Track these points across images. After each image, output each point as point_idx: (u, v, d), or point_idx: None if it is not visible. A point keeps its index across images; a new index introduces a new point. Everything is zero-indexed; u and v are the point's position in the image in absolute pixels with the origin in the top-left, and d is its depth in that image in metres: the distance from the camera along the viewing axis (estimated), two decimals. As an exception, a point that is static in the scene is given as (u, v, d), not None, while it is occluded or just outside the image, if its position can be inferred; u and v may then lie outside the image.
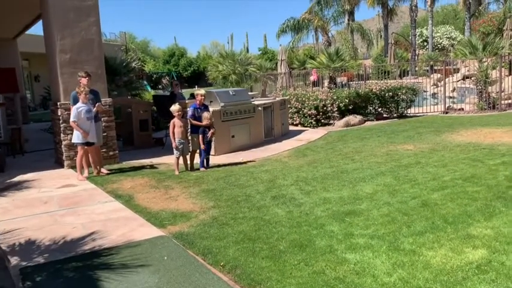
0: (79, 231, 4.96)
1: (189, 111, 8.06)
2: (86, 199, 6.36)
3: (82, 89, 7.48)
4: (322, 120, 13.78)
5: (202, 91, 8.43)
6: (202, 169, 8.00)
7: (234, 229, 4.81)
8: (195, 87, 32.39)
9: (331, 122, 13.73)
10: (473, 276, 3.32)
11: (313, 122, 13.64)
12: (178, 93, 11.40)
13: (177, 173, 7.81)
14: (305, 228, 4.67)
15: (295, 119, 13.97)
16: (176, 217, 5.34)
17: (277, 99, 12.76)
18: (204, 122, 7.98)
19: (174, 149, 7.95)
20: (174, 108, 7.95)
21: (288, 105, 13.46)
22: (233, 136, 9.99)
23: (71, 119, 7.46)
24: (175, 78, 35.24)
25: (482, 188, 5.61)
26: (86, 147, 7.58)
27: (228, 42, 43.23)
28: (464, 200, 5.16)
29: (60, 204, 6.12)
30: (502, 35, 21.21)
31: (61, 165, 8.64)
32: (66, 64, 8.40)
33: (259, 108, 10.86)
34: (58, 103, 8.42)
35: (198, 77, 51.33)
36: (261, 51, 47.74)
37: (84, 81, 7.78)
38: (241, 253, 4.13)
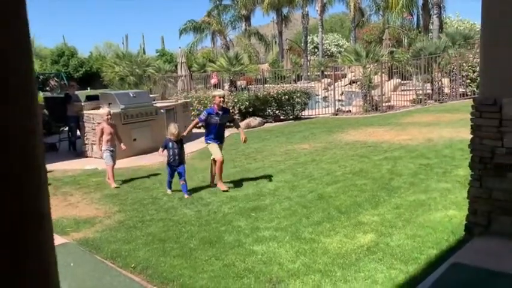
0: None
1: (202, 114, 6.49)
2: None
3: None
4: (224, 123, 14.07)
5: (220, 92, 6.90)
6: (186, 196, 6.14)
7: (142, 231, 4.80)
8: (87, 89, 30.63)
9: (233, 124, 14.08)
10: (364, 257, 3.78)
11: (215, 124, 13.86)
12: (74, 94, 10.76)
13: (114, 185, 6.83)
14: (214, 226, 4.84)
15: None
16: (79, 224, 5.15)
17: (180, 101, 12.75)
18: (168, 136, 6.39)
19: (104, 158, 7.01)
20: (103, 112, 7.17)
21: (191, 108, 13.51)
22: (135, 139, 9.77)
23: None
24: (64, 79, 32.90)
25: (369, 180, 6.29)
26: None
27: (122, 43, 41.63)
28: (355, 192, 5.76)
29: None
30: (382, 43, 23.58)
31: None
32: None
33: (162, 110, 10.77)
34: None
35: (90, 78, 48.50)
36: (158, 53, 46.76)
37: None
38: (152, 254, 4.16)
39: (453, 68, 16.05)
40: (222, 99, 6.37)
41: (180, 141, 6.38)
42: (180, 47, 21.28)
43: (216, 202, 5.75)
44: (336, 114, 15.66)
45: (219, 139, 6.50)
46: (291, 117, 15.13)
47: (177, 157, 6.28)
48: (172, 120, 11.30)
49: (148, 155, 9.63)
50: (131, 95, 10.24)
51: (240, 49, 30.27)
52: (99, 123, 9.39)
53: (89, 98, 11.54)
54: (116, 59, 22.86)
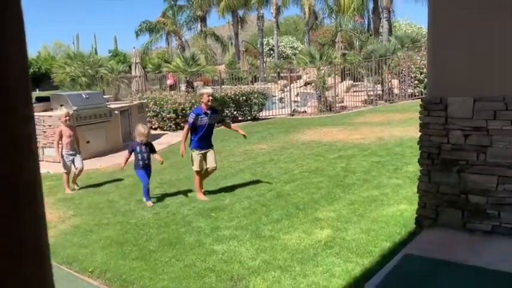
0: None
1: (189, 117, 5.80)
2: None
3: None
4: (182, 124, 13.93)
5: (208, 89, 6.16)
6: (149, 203, 5.75)
7: (99, 235, 4.70)
8: (36, 91, 29.37)
9: (190, 125, 13.99)
10: (322, 251, 3.90)
11: (173, 126, 13.72)
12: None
13: (68, 191, 6.60)
14: (173, 227, 4.81)
15: (153, 122, 13.86)
16: (31, 229, 4.96)
17: (135, 102, 12.51)
18: (137, 139, 5.96)
19: (62, 164, 6.64)
20: (60, 113, 6.69)
21: (146, 109, 13.29)
22: (88, 142, 9.50)
23: None
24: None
25: (324, 178, 6.47)
26: None
27: (73, 43, 40.23)
28: (311, 189, 5.91)
29: None
30: (335, 46, 24.22)
31: None
32: None
33: (116, 112, 10.54)
34: None
35: (39, 79, 46.56)
36: (111, 53, 45.61)
37: None
38: (110, 257, 4.08)
39: (402, 70, 16.75)
40: (210, 97, 5.80)
41: (149, 144, 5.97)
42: (134, 47, 20.86)
43: (175, 204, 5.72)
44: (292, 115, 15.92)
45: (207, 143, 5.89)
46: (249, 118, 15.23)
47: (146, 161, 5.85)
48: (127, 121, 11.09)
49: (103, 157, 9.40)
50: (84, 96, 9.96)
51: (197, 50, 30.09)
52: (50, 125, 9.08)
53: (39, 99, 11.09)
54: (66, 59, 22.09)
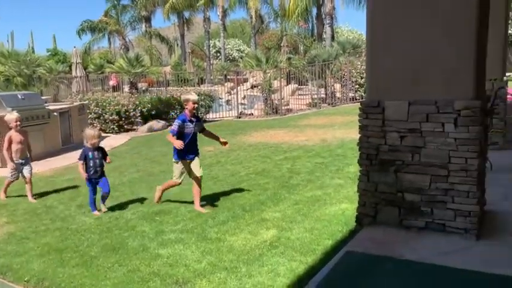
0: None
1: (174, 125, 5.27)
2: None
3: None
4: (125, 126, 13.58)
5: (194, 96, 5.43)
6: (95, 212, 5.44)
7: (36, 242, 4.47)
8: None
9: (135, 127, 13.66)
10: (267, 251, 3.96)
11: (116, 128, 13.34)
12: None
13: (3, 197, 6.22)
14: (116, 232, 4.68)
15: (95, 125, 13.38)
16: (-40, 238, 4.63)
17: (75, 104, 12.02)
18: (87, 144, 5.47)
19: (9, 171, 6.17)
20: (11, 117, 6.10)
21: (87, 111, 12.81)
22: (24, 145, 9.00)
23: None
24: None
25: (271, 179, 6.57)
26: None
27: (7, 41, 37.86)
28: (258, 191, 5.97)
29: None
30: (281, 50, 24.65)
31: None
32: None
33: (55, 113, 10.08)
34: None
35: (-32, 79, 43.32)
36: (50, 53, 43.45)
37: None
38: (48, 265, 3.90)
39: (344, 74, 17.36)
40: (195, 105, 5.37)
41: (101, 149, 5.53)
42: (74, 47, 20.01)
43: (117, 208, 5.56)
44: (239, 117, 16.00)
45: (194, 152, 5.47)
46: (195, 120, 15.09)
47: (98, 168, 5.39)
48: (67, 123, 10.64)
49: (41, 161, 8.95)
50: (20, 97, 9.44)
51: (141, 50, 29.41)
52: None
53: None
54: (0, 58, 20.79)
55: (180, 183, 5.50)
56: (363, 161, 4.32)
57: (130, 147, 10.72)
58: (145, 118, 13.93)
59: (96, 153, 5.40)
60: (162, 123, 13.94)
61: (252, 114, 16.67)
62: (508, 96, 8.25)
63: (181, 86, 17.91)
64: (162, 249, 4.14)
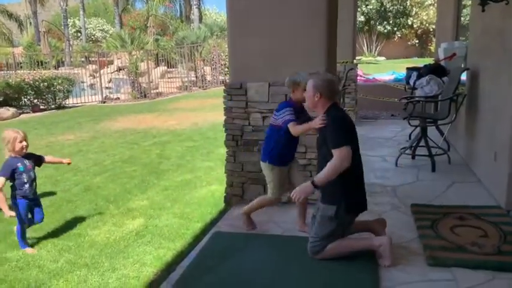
0: None
1: (285, 114, 3.37)
2: None
3: None
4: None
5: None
6: (28, 249, 3.70)
7: None
8: None
9: (-23, 116, 11.86)
10: (133, 242, 3.76)
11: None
12: None
13: None
14: (-50, 239, 4.00)
15: None
16: None
17: None
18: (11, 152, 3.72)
19: None
20: None
21: None
22: None
23: None
24: None
25: (138, 166, 6.28)
26: None
27: None
28: (124, 179, 5.66)
29: None
30: (147, 31, 23.68)
31: None
32: None
33: None
34: None
35: None
36: None
37: None
38: None
39: (213, 57, 17.42)
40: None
41: (32, 156, 3.87)
42: None
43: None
44: (104, 102, 15.03)
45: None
46: (53, 106, 13.75)
47: (34, 183, 3.80)
48: None
49: None
50: None
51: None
52: None
53: None
54: None
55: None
56: (229, 142, 4.36)
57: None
58: (-9, 106, 12.21)
59: (27, 162, 3.77)
60: (12, 111, 12.36)
61: (119, 98, 15.77)
62: (358, 77, 9.14)
63: (35, 69, 16.08)
64: (10, 252, 3.66)
